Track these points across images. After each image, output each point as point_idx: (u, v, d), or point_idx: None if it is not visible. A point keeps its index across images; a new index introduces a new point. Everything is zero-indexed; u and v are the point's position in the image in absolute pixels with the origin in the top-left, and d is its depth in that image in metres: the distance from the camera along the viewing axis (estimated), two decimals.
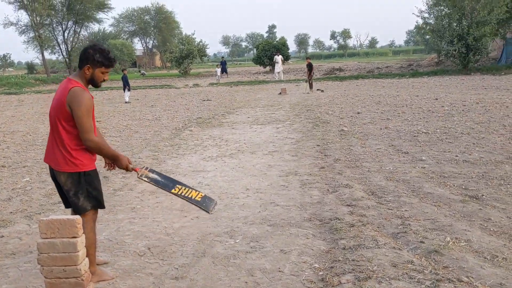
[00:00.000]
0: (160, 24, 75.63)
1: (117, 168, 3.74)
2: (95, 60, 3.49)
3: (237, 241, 4.35)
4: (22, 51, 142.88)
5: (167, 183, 3.78)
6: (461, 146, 7.89)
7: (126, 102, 19.77)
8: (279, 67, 32.63)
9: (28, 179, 7.11)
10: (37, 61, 67.65)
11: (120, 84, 21.87)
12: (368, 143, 8.66)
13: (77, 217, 2.99)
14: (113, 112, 16.15)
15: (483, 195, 5.24)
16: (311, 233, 4.47)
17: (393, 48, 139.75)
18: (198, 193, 3.82)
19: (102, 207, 3.67)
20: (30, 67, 73.76)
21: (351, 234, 4.31)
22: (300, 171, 6.84)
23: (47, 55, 54.02)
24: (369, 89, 20.80)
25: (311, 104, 15.72)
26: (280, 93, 20.84)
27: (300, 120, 12.02)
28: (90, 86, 3.63)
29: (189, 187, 3.85)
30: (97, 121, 10.25)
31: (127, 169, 3.63)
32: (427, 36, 35.04)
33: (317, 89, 21.77)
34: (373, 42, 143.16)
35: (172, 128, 11.81)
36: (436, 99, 15.09)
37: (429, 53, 57.59)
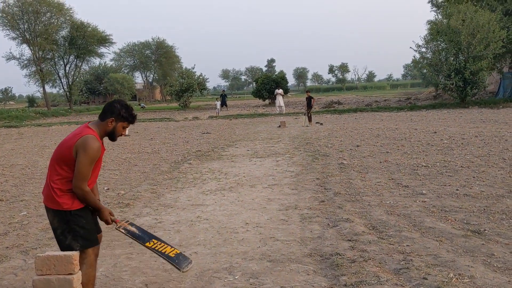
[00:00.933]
0: (160, 58, 76.77)
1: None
2: (121, 114, 3.61)
3: (236, 277, 4.27)
4: (24, 85, 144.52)
5: (143, 236, 3.77)
6: (461, 179, 7.86)
7: (125, 135, 19.82)
8: (280, 101, 32.59)
9: (25, 213, 7.04)
10: (38, 94, 68.25)
11: None
12: (368, 176, 8.62)
13: (74, 253, 2.95)
14: (112, 145, 16.13)
15: (485, 230, 5.18)
16: (311, 269, 4.39)
17: (390, 81, 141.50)
18: (173, 250, 3.80)
19: (92, 245, 3.57)
20: (31, 100, 74.42)
21: (352, 270, 4.24)
22: (300, 205, 6.79)
23: (48, 88, 54.53)
24: (368, 122, 20.90)
25: (310, 137, 15.76)
26: (279, 126, 20.93)
27: (300, 153, 12.02)
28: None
29: (165, 243, 3.83)
30: None
31: (107, 222, 3.63)
32: (425, 70, 35.50)
33: (316, 122, 21.89)
34: (370, 76, 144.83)
35: (171, 161, 11.80)
36: (435, 132, 15.14)
37: (426, 87, 58.31)
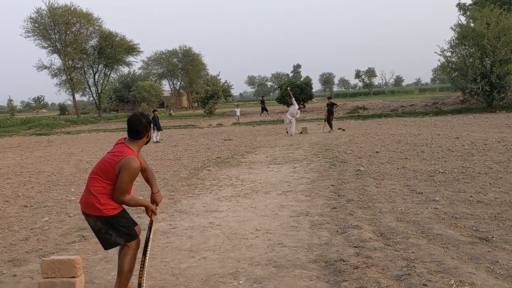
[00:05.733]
0: (187, 66, 77.69)
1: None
2: (150, 124, 4.14)
3: (240, 282, 4.39)
4: (55, 94, 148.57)
5: (145, 246, 4.18)
6: (477, 186, 7.79)
7: (155, 142, 20.19)
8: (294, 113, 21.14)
9: (47, 218, 7.32)
10: (69, 102, 70.03)
11: None
12: (383, 183, 8.62)
13: (77, 257, 3.13)
14: None
15: (493, 237, 5.16)
16: (315, 274, 4.47)
17: (419, 86, 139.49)
18: (141, 278, 4.03)
19: (134, 239, 4.04)
20: (62, 108, 76.43)
21: (354, 276, 4.31)
22: (311, 212, 6.86)
23: (78, 97, 55.95)
24: (391, 128, 20.75)
25: (330, 144, 15.77)
26: (301, 132, 20.98)
27: (318, 160, 12.07)
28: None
29: (144, 266, 4.09)
30: None
31: (154, 212, 4.24)
32: (454, 74, 34.99)
33: (339, 128, 21.85)
34: (398, 80, 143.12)
35: (191, 168, 12.01)
36: (457, 138, 14.95)
37: (455, 91, 57.19)
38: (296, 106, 20.97)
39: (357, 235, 5.54)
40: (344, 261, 4.71)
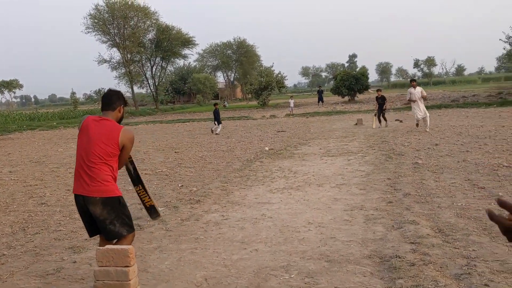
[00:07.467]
0: (241, 57, 78.16)
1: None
2: (125, 100, 4.20)
3: (292, 276, 4.34)
4: (114, 86, 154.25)
5: (134, 179, 4.43)
6: None
7: (216, 134, 20.27)
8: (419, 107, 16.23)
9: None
10: (128, 94, 72.33)
11: (203, 116, 21.75)
12: (442, 177, 8.27)
13: (130, 247, 3.18)
14: (191, 144, 16.80)
15: None
16: (369, 271, 4.34)
17: (482, 75, 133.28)
18: (150, 201, 4.48)
19: (133, 230, 4.08)
20: None
21: (410, 273, 4.15)
22: (366, 206, 6.69)
23: (136, 89, 57.66)
24: (451, 119, 19.91)
25: (387, 136, 15.34)
26: (356, 124, 20.57)
27: (373, 152, 11.77)
28: None
29: (147, 192, 4.46)
30: (176, 152, 11.09)
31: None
32: None
33: (396, 120, 21.22)
34: (460, 70, 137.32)
35: (244, 159, 12.06)
36: None
37: None
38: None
39: (414, 231, 5.33)
40: (399, 258, 4.54)
